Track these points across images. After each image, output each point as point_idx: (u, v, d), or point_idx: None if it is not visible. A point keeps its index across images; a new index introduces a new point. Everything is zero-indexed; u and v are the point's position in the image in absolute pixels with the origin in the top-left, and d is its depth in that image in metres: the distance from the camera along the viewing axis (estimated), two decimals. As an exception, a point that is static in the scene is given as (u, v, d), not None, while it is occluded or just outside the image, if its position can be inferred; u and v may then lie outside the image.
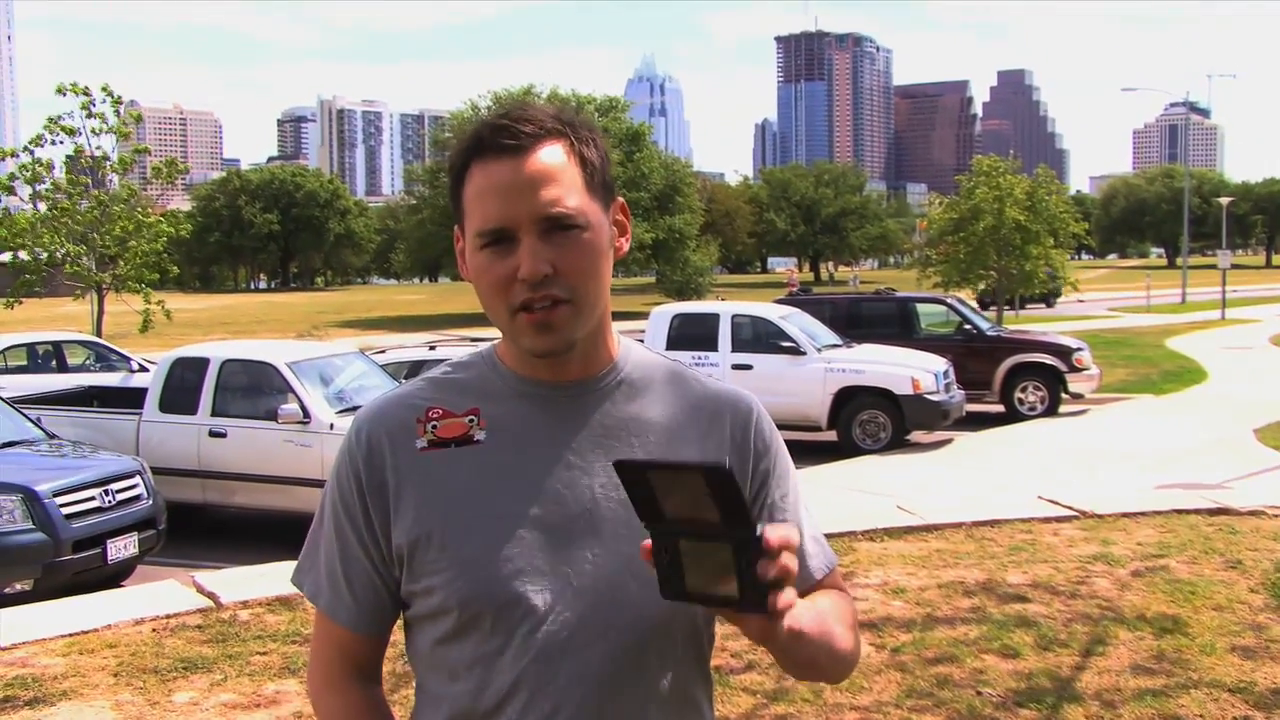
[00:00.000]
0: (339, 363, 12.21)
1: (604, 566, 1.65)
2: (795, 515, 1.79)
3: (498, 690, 1.65)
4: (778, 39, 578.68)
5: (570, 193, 1.63)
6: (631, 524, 1.66)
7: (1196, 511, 9.93)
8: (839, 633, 1.67)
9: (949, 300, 19.99)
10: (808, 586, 1.76)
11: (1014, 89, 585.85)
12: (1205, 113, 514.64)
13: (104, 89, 27.65)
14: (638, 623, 1.66)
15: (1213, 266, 55.57)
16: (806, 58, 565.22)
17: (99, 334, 25.97)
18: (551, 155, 1.64)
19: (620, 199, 1.76)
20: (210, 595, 7.73)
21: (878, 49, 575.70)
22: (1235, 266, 64.13)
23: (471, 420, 1.72)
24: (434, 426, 1.72)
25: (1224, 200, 62.47)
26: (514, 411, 1.72)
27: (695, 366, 1.87)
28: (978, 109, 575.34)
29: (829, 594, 1.77)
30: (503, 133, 1.63)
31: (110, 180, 28.81)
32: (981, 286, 34.10)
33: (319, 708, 1.82)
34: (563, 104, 1.85)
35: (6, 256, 30.10)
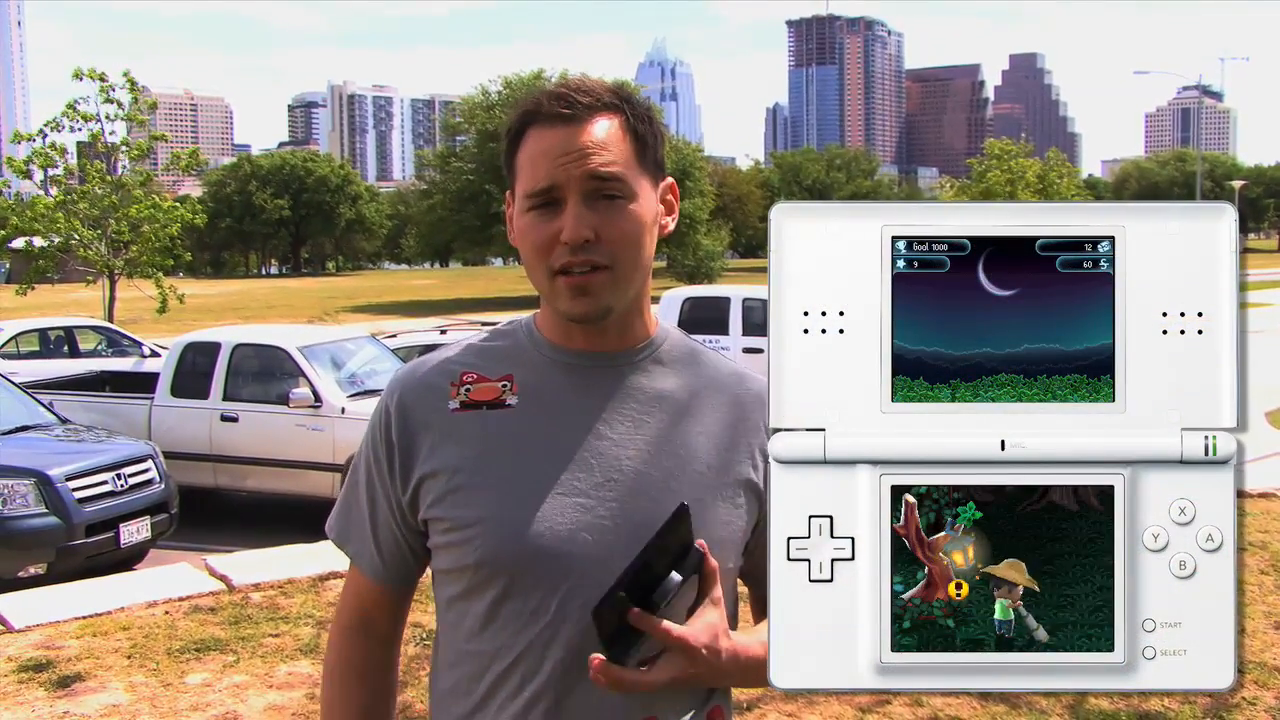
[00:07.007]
0: (350, 347, 12.26)
1: (625, 535, 1.65)
2: None
3: (508, 652, 1.67)
4: (789, 23, 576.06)
5: (619, 161, 1.66)
6: (656, 494, 1.67)
7: (1208, 494, 9.91)
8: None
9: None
10: None
11: (1026, 72, 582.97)
12: (1218, 96, 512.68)
13: (124, 74, 27.65)
14: None
15: (1225, 250, 55.20)
16: (818, 42, 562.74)
17: (111, 319, 26.00)
18: (606, 126, 1.67)
19: (670, 179, 1.78)
20: (222, 578, 7.77)
21: (889, 33, 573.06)
22: (1248, 250, 63.87)
23: (505, 385, 1.74)
24: (467, 390, 1.74)
25: (1237, 184, 62.43)
26: (547, 379, 1.75)
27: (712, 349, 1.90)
28: (989, 93, 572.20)
29: None
30: (560, 101, 1.67)
31: (124, 166, 28.80)
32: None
33: (327, 654, 1.90)
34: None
35: (20, 243, 30.14)
